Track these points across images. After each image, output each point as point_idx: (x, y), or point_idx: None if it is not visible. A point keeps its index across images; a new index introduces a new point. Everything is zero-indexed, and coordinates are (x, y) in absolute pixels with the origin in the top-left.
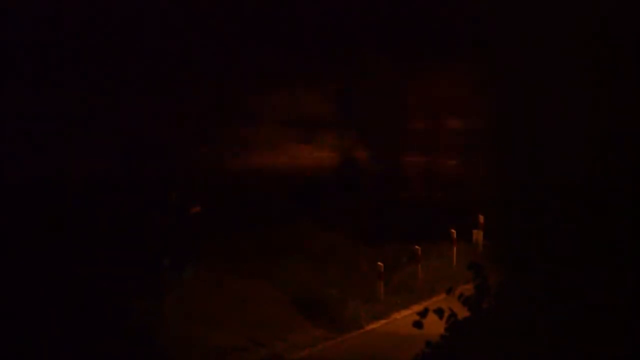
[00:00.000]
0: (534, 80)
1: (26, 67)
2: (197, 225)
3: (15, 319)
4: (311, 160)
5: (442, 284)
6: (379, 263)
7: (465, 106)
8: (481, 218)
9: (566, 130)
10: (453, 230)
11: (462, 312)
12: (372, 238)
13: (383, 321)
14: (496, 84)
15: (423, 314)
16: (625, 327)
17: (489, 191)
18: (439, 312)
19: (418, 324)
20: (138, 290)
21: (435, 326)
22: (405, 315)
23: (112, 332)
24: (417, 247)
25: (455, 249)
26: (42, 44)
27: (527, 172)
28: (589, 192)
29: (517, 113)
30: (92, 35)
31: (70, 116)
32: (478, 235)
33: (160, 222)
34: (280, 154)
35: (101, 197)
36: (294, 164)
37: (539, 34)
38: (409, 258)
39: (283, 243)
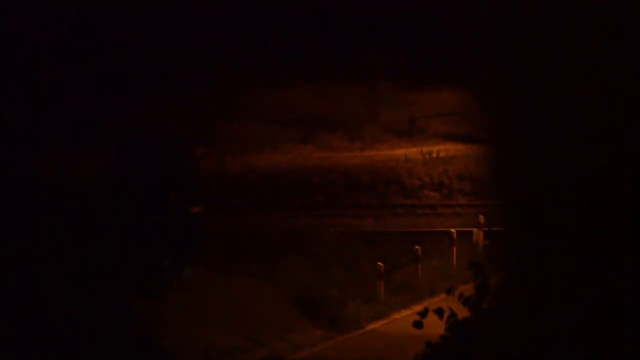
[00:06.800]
0: (530, 81)
1: (26, 67)
2: (197, 225)
3: (15, 319)
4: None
5: (442, 284)
6: (379, 263)
7: None
8: (481, 218)
9: (563, 128)
10: (453, 230)
11: (462, 312)
12: None
13: (383, 321)
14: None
15: (423, 314)
16: (626, 325)
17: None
18: (439, 312)
19: (418, 324)
20: (138, 290)
21: (435, 326)
22: (405, 315)
23: (112, 332)
24: (417, 247)
25: (455, 249)
26: (41, 44)
27: (525, 169)
28: (589, 186)
29: (514, 113)
30: (92, 36)
31: (70, 116)
32: (478, 235)
33: (160, 222)
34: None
35: (101, 197)
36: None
37: (535, 34)
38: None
39: (283, 243)
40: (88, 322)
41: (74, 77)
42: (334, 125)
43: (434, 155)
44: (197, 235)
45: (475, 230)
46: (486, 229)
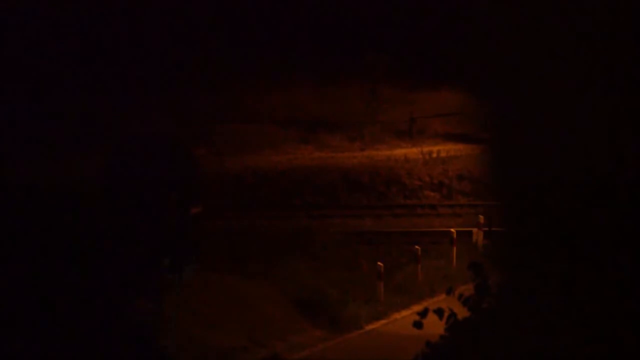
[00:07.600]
0: (535, 80)
1: (26, 67)
2: (197, 225)
3: (15, 319)
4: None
5: (442, 284)
6: (379, 263)
7: None
8: (481, 218)
9: (563, 128)
10: (453, 230)
11: (462, 312)
12: None
13: (383, 321)
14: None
15: (423, 314)
16: (626, 325)
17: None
18: (439, 312)
19: (418, 324)
20: (138, 290)
21: (435, 326)
22: (405, 315)
23: (112, 332)
24: (417, 247)
25: (455, 249)
26: (41, 44)
27: (525, 169)
28: (588, 186)
29: (518, 113)
30: (92, 36)
31: (70, 116)
32: (478, 235)
33: (160, 222)
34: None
35: (101, 197)
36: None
37: (536, 34)
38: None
39: (283, 243)
40: (88, 322)
41: (74, 77)
42: (334, 125)
43: (434, 155)
44: (197, 235)
45: (475, 230)
46: (486, 229)
